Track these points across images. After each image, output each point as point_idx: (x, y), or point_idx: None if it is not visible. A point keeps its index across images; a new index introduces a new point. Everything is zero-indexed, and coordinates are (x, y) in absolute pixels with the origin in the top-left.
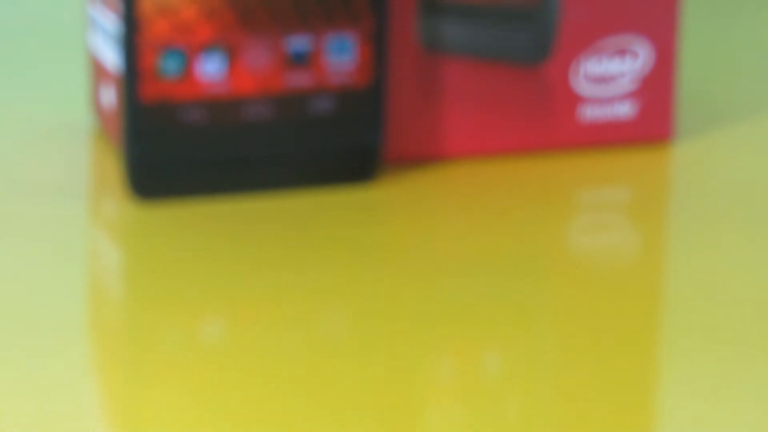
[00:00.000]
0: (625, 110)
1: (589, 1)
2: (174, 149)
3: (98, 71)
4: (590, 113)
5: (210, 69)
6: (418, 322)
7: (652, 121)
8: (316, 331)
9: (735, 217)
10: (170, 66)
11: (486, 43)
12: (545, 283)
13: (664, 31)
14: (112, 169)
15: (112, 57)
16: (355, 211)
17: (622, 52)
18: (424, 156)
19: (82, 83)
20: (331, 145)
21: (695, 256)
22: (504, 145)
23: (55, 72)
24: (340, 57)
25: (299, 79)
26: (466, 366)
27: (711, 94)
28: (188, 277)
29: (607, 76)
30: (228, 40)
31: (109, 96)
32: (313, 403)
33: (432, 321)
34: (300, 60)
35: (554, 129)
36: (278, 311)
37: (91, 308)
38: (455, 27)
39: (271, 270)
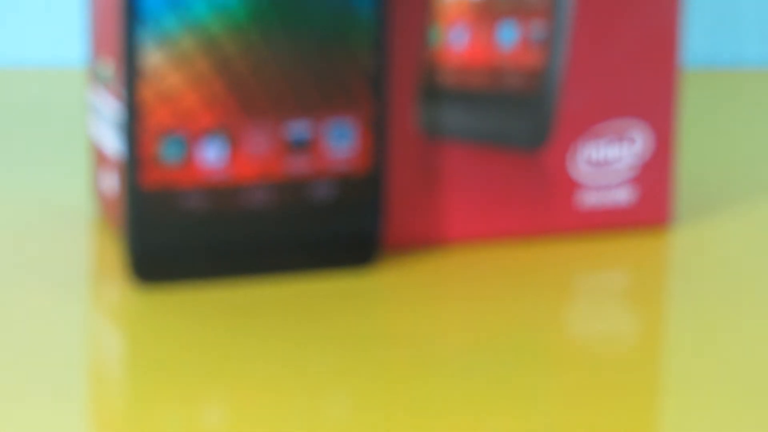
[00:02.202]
0: (623, 195)
1: (587, 87)
2: (175, 235)
3: (99, 157)
4: (589, 198)
5: (211, 155)
6: (418, 412)
7: (651, 206)
8: (316, 421)
9: (734, 303)
10: (171, 152)
11: (485, 129)
12: (545, 372)
13: (662, 116)
14: (114, 255)
15: (112, 143)
16: (355, 297)
17: (620, 138)
18: (423, 241)
19: (83, 169)
20: (331, 230)
21: (695, 342)
22: (503, 230)
23: (56, 157)
24: (340, 143)
25: (299, 165)
26: None
27: (709, 179)
28: (189, 364)
29: (605, 161)
30: (229, 127)
31: (110, 182)
32: None
33: (432, 411)
34: (300, 146)
35: (553, 214)
36: (278, 399)
37: (92, 395)
38: (454, 113)
39: (271, 358)
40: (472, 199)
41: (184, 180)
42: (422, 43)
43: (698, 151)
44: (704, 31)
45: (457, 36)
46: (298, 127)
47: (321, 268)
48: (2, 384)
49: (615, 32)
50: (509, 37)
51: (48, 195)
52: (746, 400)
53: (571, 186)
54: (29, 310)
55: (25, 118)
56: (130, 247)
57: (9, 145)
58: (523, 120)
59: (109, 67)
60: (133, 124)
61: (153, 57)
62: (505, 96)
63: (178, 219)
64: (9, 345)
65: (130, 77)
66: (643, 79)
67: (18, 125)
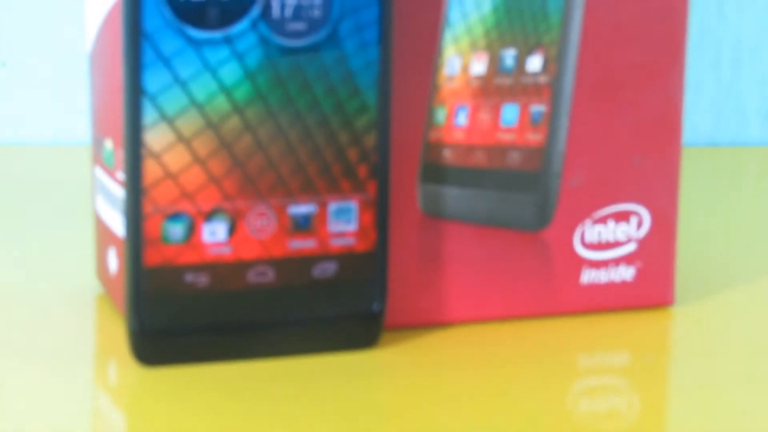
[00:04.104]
0: (625, 275)
1: (589, 167)
2: (178, 313)
3: (104, 234)
4: (591, 278)
5: (214, 234)
6: None
7: (652, 285)
8: None
9: (736, 382)
10: (175, 231)
11: (486, 210)
12: None
13: (663, 198)
14: (118, 333)
15: (117, 220)
16: (357, 377)
17: (622, 218)
18: (425, 321)
19: (88, 246)
20: (333, 309)
21: (697, 422)
22: (505, 310)
23: (62, 235)
24: (343, 222)
25: (302, 244)
26: None
27: (710, 259)
28: None
29: (607, 242)
30: (232, 206)
31: (115, 260)
32: None
33: None
34: (303, 225)
35: (555, 294)
36: None
37: None
38: (456, 193)
39: None
40: (475, 278)
41: (187, 258)
42: (425, 123)
43: (700, 229)
44: (707, 112)
45: (459, 116)
46: (301, 207)
47: (324, 346)
48: None
49: (618, 112)
50: (511, 118)
51: (53, 271)
52: None
53: (574, 265)
54: (32, 388)
55: (32, 195)
56: (132, 325)
57: (15, 222)
58: (525, 201)
59: (112, 146)
60: (136, 203)
61: (156, 135)
62: (507, 177)
63: (181, 297)
64: (11, 423)
65: (134, 156)
66: (645, 161)
67: (24, 201)
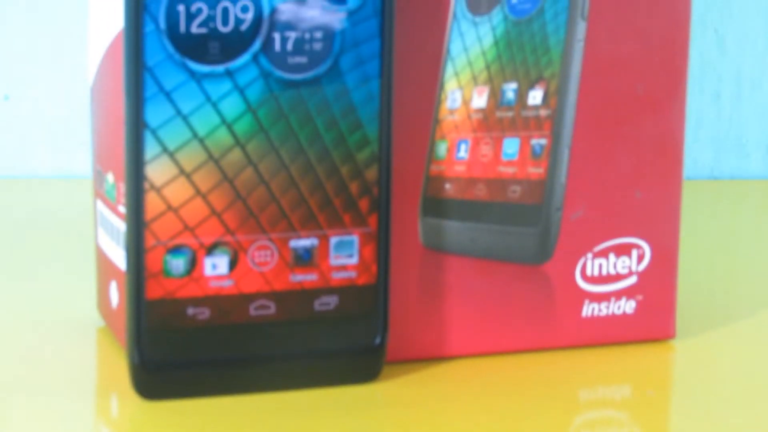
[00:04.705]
0: (626, 308)
1: (590, 200)
2: (179, 347)
3: (105, 268)
4: (592, 311)
5: (216, 267)
6: None
7: (653, 318)
8: None
9: (737, 416)
10: (176, 264)
11: (488, 244)
12: None
13: (664, 230)
14: (119, 367)
15: (119, 254)
16: (359, 410)
17: (623, 251)
18: (427, 354)
19: (90, 279)
20: (335, 343)
21: None
22: (507, 343)
23: (63, 268)
24: (344, 255)
25: (304, 277)
26: None
27: (711, 292)
28: None
29: (608, 274)
30: (234, 239)
31: (116, 293)
32: None
33: None
34: (305, 258)
35: (557, 327)
36: None
37: None
38: (457, 227)
39: None
40: (476, 312)
41: (189, 291)
42: (426, 156)
43: (701, 262)
44: (708, 145)
45: (460, 149)
46: (303, 240)
47: (325, 380)
48: None
49: (619, 145)
50: (512, 151)
51: (55, 305)
52: None
53: (575, 299)
54: (34, 421)
55: (33, 228)
56: (133, 358)
57: (17, 254)
58: (526, 235)
59: (113, 180)
60: (138, 237)
61: (158, 169)
62: (508, 211)
63: (183, 330)
64: None
65: (135, 190)
66: (646, 194)
67: (26, 234)
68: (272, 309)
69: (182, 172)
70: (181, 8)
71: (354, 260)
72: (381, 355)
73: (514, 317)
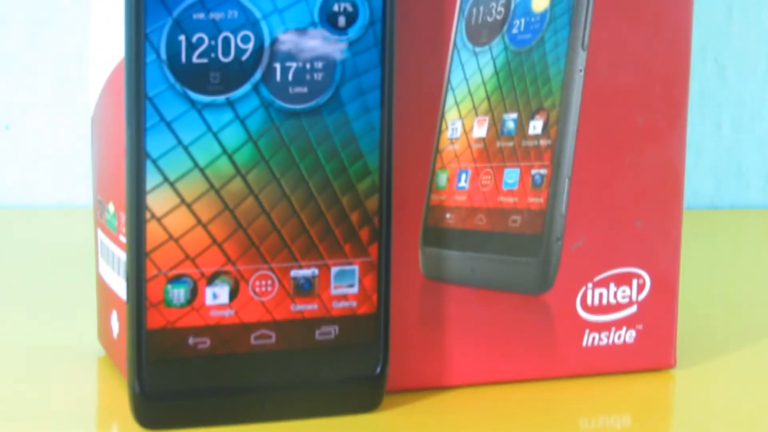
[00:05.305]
0: (626, 338)
1: (590, 230)
2: (180, 376)
3: (106, 297)
4: (592, 341)
5: (217, 297)
6: None
7: (654, 348)
8: None
9: None
10: (177, 294)
11: (488, 274)
12: None
13: (664, 260)
14: (120, 396)
15: (120, 284)
16: None
17: (623, 281)
18: (428, 384)
19: (90, 309)
20: (336, 372)
21: None
22: (507, 373)
23: (64, 297)
24: (345, 285)
25: (304, 307)
26: None
27: (712, 322)
28: None
29: (608, 304)
30: (235, 269)
31: (117, 323)
32: None
33: None
34: (305, 288)
35: (557, 357)
36: None
37: None
38: (457, 256)
39: None
40: (477, 342)
41: (189, 321)
42: (427, 186)
43: (702, 292)
44: (708, 175)
45: (461, 179)
46: (304, 270)
47: (326, 410)
48: None
49: (619, 175)
50: (512, 181)
51: (56, 334)
52: None
53: (576, 329)
54: None
55: (34, 258)
56: (133, 388)
57: (18, 284)
58: (527, 265)
59: (114, 210)
60: (139, 267)
61: (158, 199)
62: (509, 241)
63: (183, 360)
64: None
65: (136, 219)
66: (646, 224)
67: (27, 264)
68: (273, 338)
69: (183, 201)
70: (182, 38)
71: (354, 290)
72: (381, 384)
73: (515, 347)
